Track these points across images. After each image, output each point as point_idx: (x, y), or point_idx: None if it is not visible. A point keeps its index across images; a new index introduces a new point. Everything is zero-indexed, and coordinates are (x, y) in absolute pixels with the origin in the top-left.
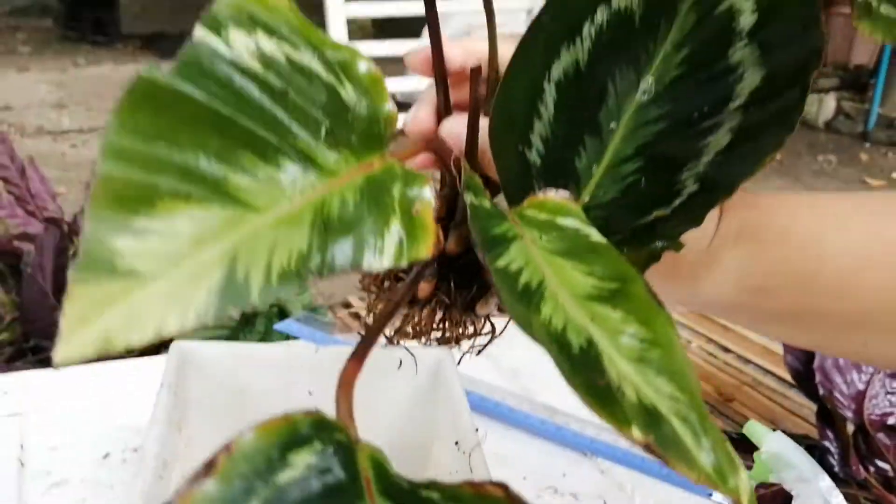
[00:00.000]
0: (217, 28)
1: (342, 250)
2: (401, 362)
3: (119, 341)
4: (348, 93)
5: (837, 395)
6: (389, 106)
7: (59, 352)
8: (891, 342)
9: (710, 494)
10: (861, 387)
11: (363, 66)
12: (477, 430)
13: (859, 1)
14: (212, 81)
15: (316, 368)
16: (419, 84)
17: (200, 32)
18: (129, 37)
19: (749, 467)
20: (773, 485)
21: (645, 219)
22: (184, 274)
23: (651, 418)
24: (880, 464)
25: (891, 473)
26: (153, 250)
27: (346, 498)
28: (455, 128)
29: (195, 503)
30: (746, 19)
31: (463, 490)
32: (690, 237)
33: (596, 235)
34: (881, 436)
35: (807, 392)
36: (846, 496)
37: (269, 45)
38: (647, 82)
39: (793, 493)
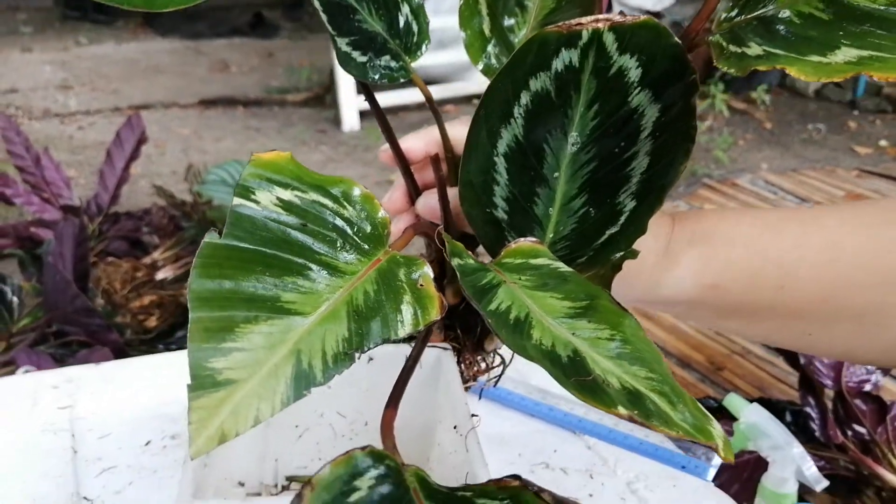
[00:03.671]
0: (246, 194)
1: (374, 329)
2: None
3: (231, 433)
4: (350, 212)
5: (817, 363)
6: (382, 213)
7: (192, 449)
8: (828, 332)
9: (683, 467)
10: None
11: (357, 191)
12: (473, 415)
13: (714, 44)
14: (252, 232)
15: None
16: None
17: (237, 200)
18: (130, 14)
19: (729, 435)
20: (750, 452)
21: (601, 239)
22: (265, 374)
23: (633, 397)
24: (857, 428)
25: (867, 437)
26: (240, 362)
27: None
28: (429, 202)
29: None
30: (634, 73)
31: (489, 487)
32: (648, 245)
33: (563, 267)
34: (858, 402)
35: (790, 361)
36: (825, 459)
37: (286, 194)
38: (573, 137)
39: (768, 459)
